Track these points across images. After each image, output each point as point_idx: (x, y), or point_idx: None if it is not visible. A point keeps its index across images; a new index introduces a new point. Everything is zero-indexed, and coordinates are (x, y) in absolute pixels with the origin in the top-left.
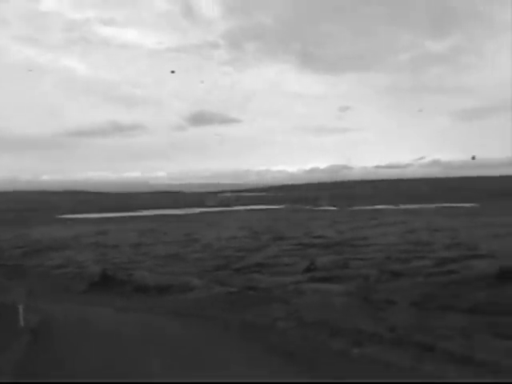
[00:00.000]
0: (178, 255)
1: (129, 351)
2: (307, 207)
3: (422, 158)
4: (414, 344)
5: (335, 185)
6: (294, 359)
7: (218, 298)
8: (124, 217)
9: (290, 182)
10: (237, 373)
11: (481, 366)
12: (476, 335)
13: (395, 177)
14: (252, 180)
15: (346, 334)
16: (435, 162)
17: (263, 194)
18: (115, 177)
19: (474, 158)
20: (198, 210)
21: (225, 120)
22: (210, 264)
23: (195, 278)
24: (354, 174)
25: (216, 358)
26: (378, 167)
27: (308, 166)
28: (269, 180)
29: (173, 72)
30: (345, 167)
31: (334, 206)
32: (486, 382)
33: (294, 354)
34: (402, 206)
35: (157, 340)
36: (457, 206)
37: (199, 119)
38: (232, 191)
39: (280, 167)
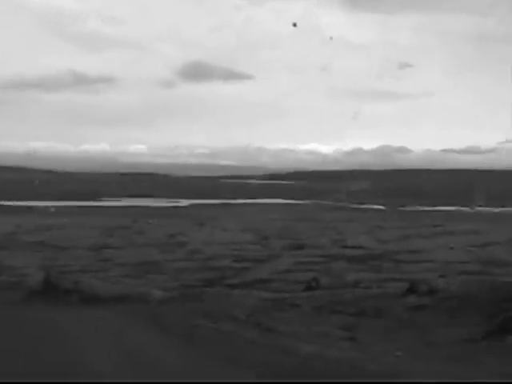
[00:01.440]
0: (153, 263)
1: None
2: (341, 204)
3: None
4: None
5: (385, 174)
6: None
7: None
8: (84, 207)
9: (320, 168)
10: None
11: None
12: None
13: (473, 165)
14: (266, 162)
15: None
16: None
17: (281, 182)
18: (73, 150)
19: None
20: (187, 202)
21: (230, 75)
22: (194, 277)
23: (160, 289)
24: (414, 160)
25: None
26: (447, 151)
27: (348, 147)
28: (291, 163)
29: (295, 25)
30: (400, 149)
31: (381, 205)
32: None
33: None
34: (479, 209)
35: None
36: None
37: (195, 73)
38: (236, 177)
39: (308, 146)
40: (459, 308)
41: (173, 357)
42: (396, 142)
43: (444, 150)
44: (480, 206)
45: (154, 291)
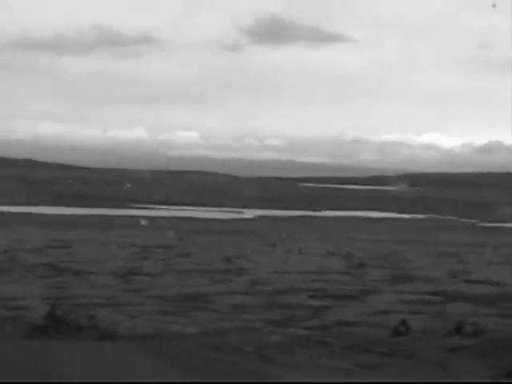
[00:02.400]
0: (201, 297)
1: None
2: (469, 222)
3: None
4: None
5: None
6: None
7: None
8: (110, 216)
9: (441, 169)
10: None
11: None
12: None
13: None
14: (366, 160)
15: None
16: None
17: (386, 188)
18: (98, 136)
19: None
20: (253, 214)
21: (321, 37)
22: (253, 317)
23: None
24: None
25: None
26: None
27: (482, 140)
28: (401, 162)
29: (494, 6)
30: None
31: None
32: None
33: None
34: None
35: None
36: None
37: (269, 33)
38: (323, 179)
39: (426, 138)
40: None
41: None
42: None
43: None
44: None
45: (191, 328)
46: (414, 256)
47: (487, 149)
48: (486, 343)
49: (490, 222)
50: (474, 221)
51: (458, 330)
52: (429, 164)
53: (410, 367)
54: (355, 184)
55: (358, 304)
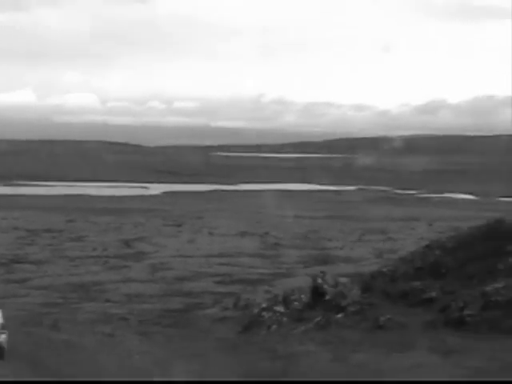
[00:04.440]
0: (93, 286)
1: None
2: (405, 192)
3: None
4: None
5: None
6: None
7: None
8: None
9: (375, 132)
10: None
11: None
12: None
13: None
14: (288, 123)
15: None
16: None
17: (310, 156)
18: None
19: None
20: (159, 189)
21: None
22: (151, 307)
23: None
24: None
25: None
26: None
27: (422, 99)
28: (327, 125)
29: None
30: (506, 102)
31: (470, 193)
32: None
33: None
34: None
35: None
36: None
37: None
38: (239, 147)
39: (355, 99)
40: None
41: None
42: (503, 91)
43: None
44: None
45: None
46: (337, 234)
47: (428, 109)
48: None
49: (427, 192)
50: (411, 192)
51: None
52: (361, 127)
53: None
54: (276, 152)
55: (265, 289)
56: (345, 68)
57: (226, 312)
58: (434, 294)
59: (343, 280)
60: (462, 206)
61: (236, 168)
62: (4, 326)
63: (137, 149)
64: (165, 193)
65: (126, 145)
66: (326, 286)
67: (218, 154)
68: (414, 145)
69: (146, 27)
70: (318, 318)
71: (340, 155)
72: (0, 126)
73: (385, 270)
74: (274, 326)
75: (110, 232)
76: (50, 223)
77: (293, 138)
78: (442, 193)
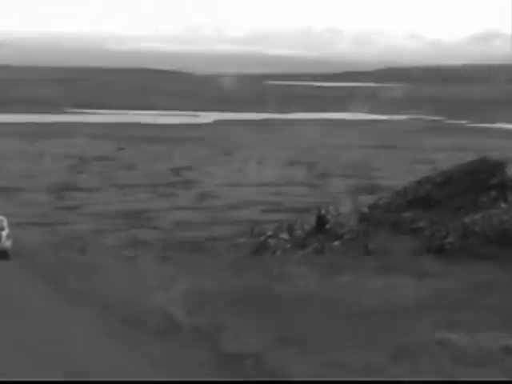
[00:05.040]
0: (142, 214)
1: None
2: (457, 122)
3: None
4: None
5: None
6: None
7: None
8: (39, 124)
9: (427, 62)
10: None
11: None
12: None
13: None
14: (340, 53)
15: None
16: None
17: (362, 85)
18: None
19: None
20: (210, 118)
21: None
22: (197, 234)
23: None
24: None
25: None
26: None
27: (475, 29)
28: (379, 54)
29: None
30: None
31: None
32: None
33: None
34: None
35: None
36: None
37: None
38: (292, 76)
39: (409, 28)
40: None
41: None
42: None
43: None
44: None
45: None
46: (386, 164)
47: (482, 38)
48: None
49: (479, 122)
50: (462, 121)
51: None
52: (413, 56)
53: None
54: (327, 81)
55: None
56: None
57: (241, 238)
58: (422, 224)
59: (344, 210)
60: (510, 135)
61: (287, 97)
62: (9, 235)
63: (188, 77)
64: (215, 121)
65: (177, 73)
66: (328, 216)
67: (269, 82)
68: (466, 74)
69: None
70: (316, 244)
71: (391, 84)
72: (53, 53)
73: (381, 202)
74: (279, 252)
75: (159, 160)
76: (101, 151)
77: (344, 67)
78: (493, 122)
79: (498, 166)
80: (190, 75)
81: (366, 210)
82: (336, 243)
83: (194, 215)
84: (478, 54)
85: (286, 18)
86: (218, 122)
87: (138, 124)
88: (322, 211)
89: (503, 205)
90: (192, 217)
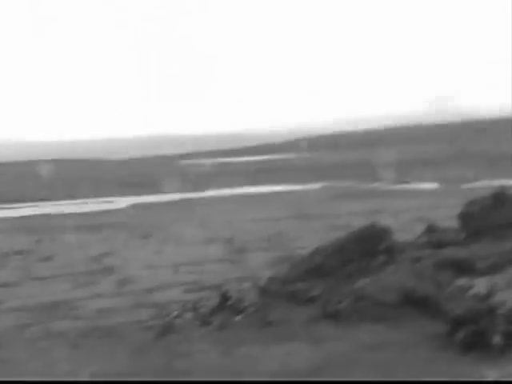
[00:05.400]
0: (63, 304)
1: None
2: (370, 186)
3: None
4: None
5: (441, 132)
6: None
7: None
8: None
9: (336, 128)
10: None
11: None
12: None
13: None
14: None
15: None
16: None
17: (276, 157)
18: None
19: None
20: (125, 202)
21: None
22: (120, 320)
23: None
24: (489, 104)
25: None
26: None
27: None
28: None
29: None
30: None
31: (435, 181)
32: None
33: None
34: None
35: None
36: None
37: None
38: (204, 154)
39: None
40: None
41: None
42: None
43: None
44: None
45: None
46: (302, 234)
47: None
48: None
49: (392, 184)
50: (375, 185)
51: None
52: (325, 124)
53: None
54: (238, 156)
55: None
56: None
57: (152, 321)
58: (316, 293)
59: (246, 285)
60: (427, 196)
61: (200, 175)
62: None
63: (99, 163)
64: (130, 205)
65: (87, 161)
66: (230, 293)
67: (182, 162)
68: (376, 137)
69: None
70: (219, 320)
71: (303, 154)
72: None
73: (278, 274)
74: (184, 330)
75: (78, 249)
76: (19, 244)
77: (253, 140)
78: (406, 183)
79: (385, 232)
80: (101, 161)
81: (264, 283)
82: (238, 317)
83: (115, 301)
84: (388, 117)
85: None
86: (133, 206)
87: (54, 215)
88: (225, 288)
89: (392, 268)
90: (113, 303)
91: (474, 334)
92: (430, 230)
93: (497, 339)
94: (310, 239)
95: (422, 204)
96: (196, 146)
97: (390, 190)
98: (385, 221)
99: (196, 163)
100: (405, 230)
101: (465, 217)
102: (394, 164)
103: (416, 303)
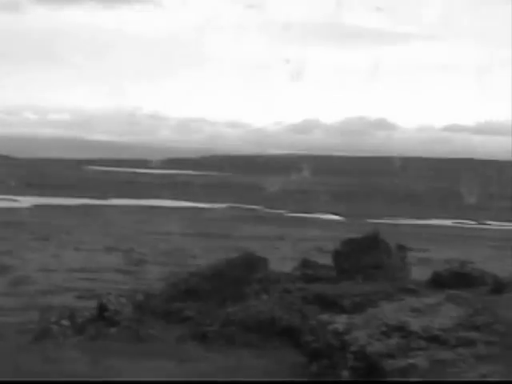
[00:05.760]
0: None
1: None
2: (276, 211)
3: None
4: None
5: (354, 162)
6: None
7: None
8: None
9: (248, 150)
10: None
11: None
12: None
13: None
14: (163, 139)
15: None
16: None
17: (186, 172)
18: None
19: None
20: (29, 202)
21: None
22: (8, 321)
23: None
24: (403, 141)
25: None
26: (456, 129)
27: (297, 118)
28: (203, 141)
29: None
30: (381, 124)
31: (339, 214)
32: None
33: None
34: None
35: None
36: None
37: None
38: (113, 162)
39: (231, 116)
40: None
41: None
42: (373, 113)
43: (449, 129)
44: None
45: None
46: (202, 252)
47: (302, 127)
48: None
49: (296, 212)
50: (279, 211)
51: None
52: (233, 144)
53: None
54: (149, 167)
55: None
56: (220, 85)
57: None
58: (190, 314)
59: (122, 299)
60: (328, 226)
61: (107, 183)
62: None
63: (6, 160)
64: (35, 206)
65: None
66: (108, 304)
67: (91, 167)
68: (287, 163)
69: (18, 37)
70: (93, 331)
71: (213, 173)
72: None
73: (156, 292)
74: (59, 337)
75: None
76: None
77: (167, 153)
78: (309, 212)
79: (261, 261)
80: (8, 158)
81: (141, 298)
82: (112, 330)
83: (6, 301)
84: (298, 144)
85: (110, 103)
86: (37, 207)
87: None
88: (104, 299)
89: (264, 297)
90: (3, 302)
91: (326, 367)
92: (305, 264)
93: (345, 374)
94: (208, 258)
95: (322, 235)
96: (106, 152)
97: (295, 218)
98: (284, 247)
99: (103, 170)
100: (300, 258)
101: (338, 255)
102: (303, 192)
103: (281, 333)
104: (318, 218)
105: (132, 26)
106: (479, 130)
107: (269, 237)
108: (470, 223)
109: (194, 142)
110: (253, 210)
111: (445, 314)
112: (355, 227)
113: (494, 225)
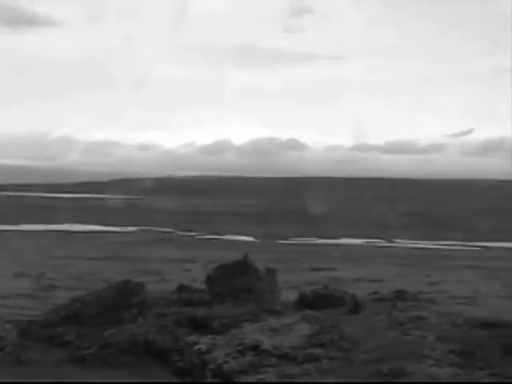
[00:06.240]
0: None
1: None
2: (187, 234)
3: (468, 133)
4: None
5: (265, 182)
6: None
7: None
8: None
9: (160, 172)
10: None
11: None
12: None
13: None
14: (76, 162)
15: None
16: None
17: (97, 196)
18: None
19: None
20: None
21: (19, 19)
22: None
23: None
24: (313, 161)
25: None
26: (367, 148)
27: (209, 139)
28: (114, 163)
29: None
30: (292, 144)
31: (250, 235)
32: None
33: None
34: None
35: None
36: None
37: None
38: (23, 186)
39: (143, 136)
40: None
41: None
42: (284, 133)
43: (359, 148)
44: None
45: None
46: (113, 275)
47: (213, 148)
48: None
49: (208, 234)
50: (191, 233)
51: None
52: (145, 167)
53: None
54: (59, 191)
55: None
56: (132, 106)
57: None
58: (70, 338)
59: (8, 325)
60: (241, 248)
61: (16, 208)
62: None
63: None
64: None
65: None
66: None
67: (0, 193)
68: (198, 185)
69: None
70: None
71: (124, 196)
72: None
73: (39, 318)
74: None
75: None
76: None
77: (77, 177)
78: (222, 234)
79: (138, 287)
80: None
81: (25, 325)
82: None
83: None
84: (209, 165)
85: (18, 126)
86: None
87: None
88: None
89: (141, 320)
90: None
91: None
92: (181, 289)
93: None
94: (117, 280)
95: (233, 256)
96: (15, 177)
97: (206, 240)
98: (196, 270)
99: (12, 195)
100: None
101: (211, 280)
102: (214, 214)
103: (154, 354)
104: (230, 240)
105: (38, 49)
106: (388, 149)
107: (180, 259)
108: (379, 242)
109: (104, 165)
110: (164, 232)
111: (297, 332)
112: (267, 248)
113: (402, 243)
